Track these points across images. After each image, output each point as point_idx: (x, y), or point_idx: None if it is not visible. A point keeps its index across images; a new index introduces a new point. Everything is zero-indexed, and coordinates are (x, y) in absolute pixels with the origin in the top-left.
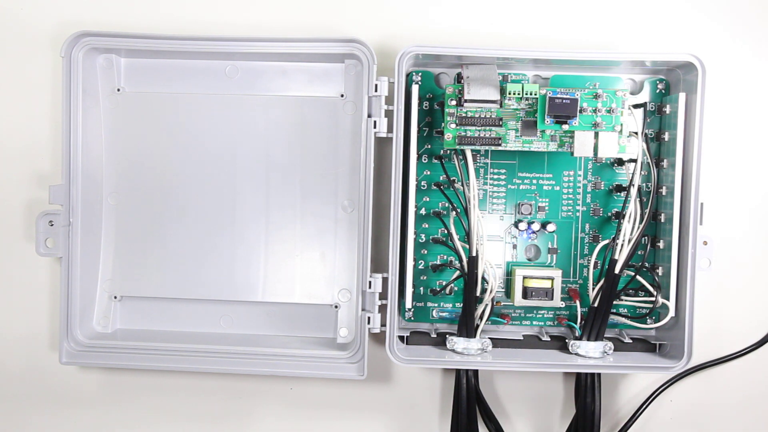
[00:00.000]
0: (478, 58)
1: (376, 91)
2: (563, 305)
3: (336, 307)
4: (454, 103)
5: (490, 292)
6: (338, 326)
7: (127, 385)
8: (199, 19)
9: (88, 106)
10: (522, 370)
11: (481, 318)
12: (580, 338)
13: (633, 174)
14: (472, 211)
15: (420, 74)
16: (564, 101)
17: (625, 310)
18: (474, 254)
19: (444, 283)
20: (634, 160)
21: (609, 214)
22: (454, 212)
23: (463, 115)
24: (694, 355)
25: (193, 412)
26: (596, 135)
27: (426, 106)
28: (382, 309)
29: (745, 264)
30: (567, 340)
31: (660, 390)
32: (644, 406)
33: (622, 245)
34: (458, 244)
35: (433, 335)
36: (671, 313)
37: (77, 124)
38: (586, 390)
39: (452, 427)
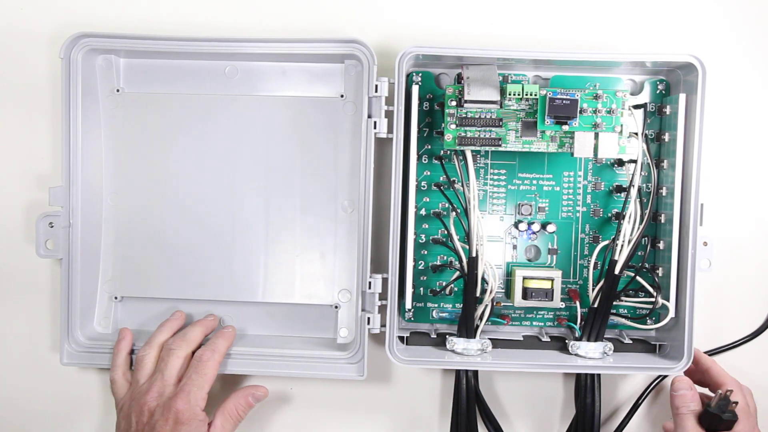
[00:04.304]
0: (479, 58)
1: (376, 91)
2: (563, 306)
3: (336, 307)
4: (454, 103)
5: (490, 292)
6: (338, 326)
7: None
8: (198, 19)
9: (87, 107)
10: (522, 371)
11: (480, 319)
12: (580, 339)
13: (633, 175)
14: (472, 211)
15: (420, 75)
16: (564, 102)
17: (625, 311)
18: (474, 255)
19: (444, 284)
20: (635, 161)
21: (609, 214)
22: (454, 213)
23: (463, 116)
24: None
25: None
26: (596, 136)
27: (426, 107)
28: (382, 309)
29: (745, 265)
30: (567, 341)
31: (654, 384)
32: (641, 400)
33: (622, 246)
34: (458, 245)
35: (433, 336)
36: (671, 313)
37: (77, 126)
38: (586, 390)
39: (452, 428)
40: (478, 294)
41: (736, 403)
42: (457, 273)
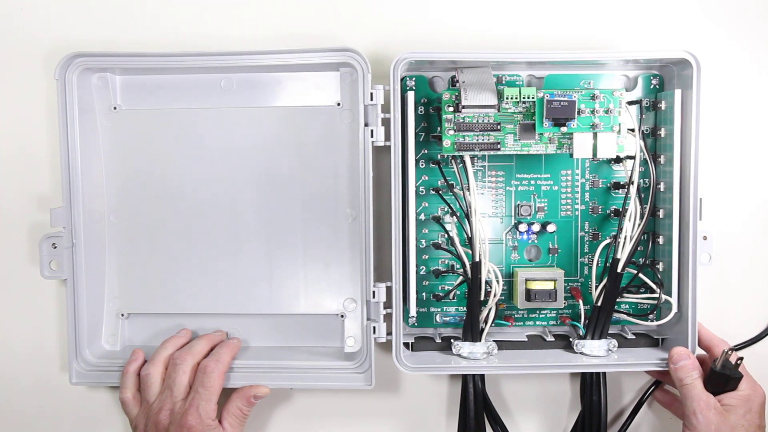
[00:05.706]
0: (473, 62)
1: (371, 99)
2: (565, 304)
3: (342, 316)
4: (451, 109)
5: (494, 296)
6: (345, 335)
7: None
8: (192, 32)
9: (85, 126)
10: (530, 372)
11: (485, 322)
12: (584, 337)
13: (632, 171)
14: (474, 215)
15: (414, 79)
16: (562, 104)
17: (627, 307)
18: (477, 260)
19: (447, 288)
20: (632, 157)
21: (608, 211)
22: (454, 217)
23: (461, 121)
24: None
25: None
26: (595, 136)
27: (421, 111)
28: (387, 317)
29: (745, 258)
30: (571, 339)
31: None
32: (646, 395)
33: (624, 243)
34: (460, 249)
35: (438, 340)
36: (674, 308)
37: (75, 145)
38: (592, 388)
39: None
40: (482, 297)
41: (741, 359)
42: (461, 278)
